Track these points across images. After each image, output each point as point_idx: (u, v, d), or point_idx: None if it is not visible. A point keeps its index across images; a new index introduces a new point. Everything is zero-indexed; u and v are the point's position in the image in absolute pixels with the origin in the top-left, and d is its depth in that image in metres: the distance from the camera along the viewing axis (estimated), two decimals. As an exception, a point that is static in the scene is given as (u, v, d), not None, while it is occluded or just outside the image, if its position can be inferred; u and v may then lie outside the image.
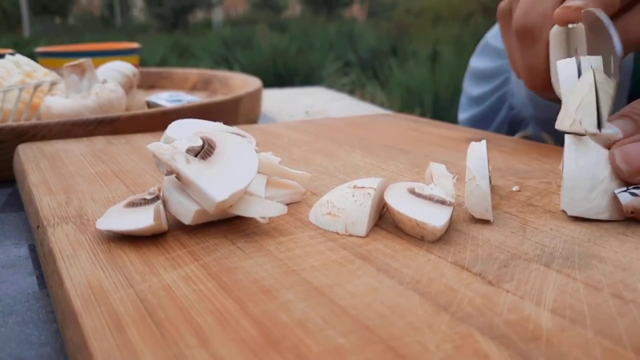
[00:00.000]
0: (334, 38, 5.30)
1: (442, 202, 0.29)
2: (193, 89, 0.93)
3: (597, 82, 0.30)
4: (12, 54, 0.69)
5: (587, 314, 0.21)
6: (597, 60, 0.32)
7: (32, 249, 0.37)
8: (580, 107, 0.30)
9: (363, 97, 3.33)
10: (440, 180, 0.32)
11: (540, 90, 0.42)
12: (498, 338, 0.20)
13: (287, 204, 0.32)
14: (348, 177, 0.39)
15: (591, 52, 0.35)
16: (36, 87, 0.61)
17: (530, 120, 0.64)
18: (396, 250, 0.27)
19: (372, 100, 3.32)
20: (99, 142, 0.51)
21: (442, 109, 3.08)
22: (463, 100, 0.73)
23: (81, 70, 0.60)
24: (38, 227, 0.33)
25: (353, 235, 0.29)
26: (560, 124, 0.31)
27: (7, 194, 0.48)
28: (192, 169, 0.29)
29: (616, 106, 0.32)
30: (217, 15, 9.48)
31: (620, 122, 0.32)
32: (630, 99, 0.52)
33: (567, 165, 0.30)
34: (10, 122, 0.55)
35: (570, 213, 0.30)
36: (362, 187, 0.30)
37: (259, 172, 0.32)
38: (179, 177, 0.29)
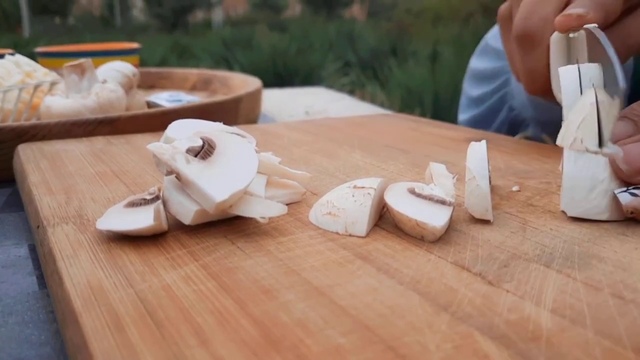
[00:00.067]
0: (334, 38, 5.30)
1: (442, 202, 0.29)
2: (193, 89, 0.93)
3: (599, 101, 0.30)
4: (12, 54, 0.69)
5: (587, 314, 0.21)
6: (597, 68, 0.32)
7: (32, 249, 0.37)
8: (581, 126, 0.30)
9: (363, 97, 3.33)
10: (440, 180, 0.32)
11: (540, 94, 0.42)
12: (498, 338, 0.20)
13: (287, 204, 0.32)
14: (348, 177, 0.39)
15: (592, 62, 0.35)
16: (36, 87, 0.61)
17: (531, 121, 0.64)
18: (396, 250, 0.27)
19: (372, 100, 3.32)
20: (99, 142, 0.51)
21: (442, 109, 3.08)
22: (463, 101, 0.73)
23: (81, 70, 0.60)
24: (38, 227, 0.33)
25: (353, 235, 0.29)
26: (562, 141, 0.31)
27: (7, 194, 0.48)
28: (192, 169, 0.29)
29: None
30: (217, 15, 9.49)
31: (620, 124, 0.32)
32: (630, 98, 0.52)
33: (567, 165, 0.30)
34: (10, 122, 0.56)
35: (570, 214, 0.30)
36: (362, 187, 0.30)
37: (259, 172, 0.32)
38: (179, 177, 0.29)
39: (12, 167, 0.49)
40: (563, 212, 0.31)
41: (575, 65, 0.33)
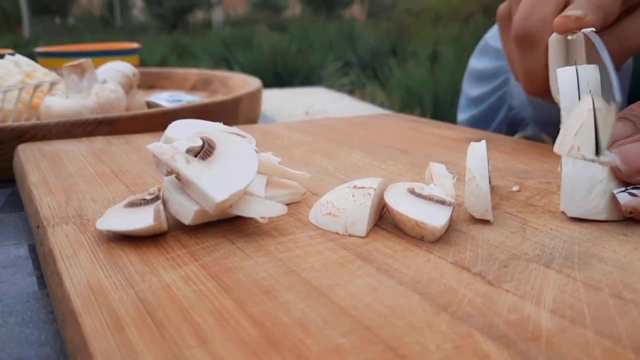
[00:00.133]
0: (334, 38, 5.30)
1: (442, 202, 0.29)
2: (193, 89, 0.93)
3: (596, 108, 0.30)
4: (12, 54, 0.69)
5: (587, 314, 0.21)
6: (595, 70, 0.32)
7: (32, 249, 0.37)
8: (579, 134, 0.30)
9: (363, 97, 3.33)
10: (440, 180, 0.32)
11: (539, 95, 0.42)
12: (498, 338, 0.20)
13: (287, 204, 0.32)
14: (348, 177, 0.39)
15: (590, 64, 0.35)
16: (36, 87, 0.61)
17: (530, 121, 0.64)
18: (396, 250, 0.27)
19: (372, 100, 3.32)
20: (99, 142, 0.51)
21: (442, 109, 3.08)
22: (462, 100, 0.73)
23: (81, 71, 0.60)
24: (38, 227, 0.33)
25: (353, 236, 0.29)
26: (559, 148, 0.31)
27: (7, 194, 0.48)
28: (192, 169, 0.29)
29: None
30: (217, 15, 9.49)
31: (619, 125, 0.32)
32: (630, 98, 0.52)
33: (566, 165, 0.30)
34: (10, 122, 0.56)
35: (569, 214, 0.30)
36: (362, 187, 0.30)
37: (259, 172, 0.32)
38: (178, 177, 0.29)
39: (12, 167, 0.49)
40: (563, 212, 0.31)
41: (573, 67, 0.33)
